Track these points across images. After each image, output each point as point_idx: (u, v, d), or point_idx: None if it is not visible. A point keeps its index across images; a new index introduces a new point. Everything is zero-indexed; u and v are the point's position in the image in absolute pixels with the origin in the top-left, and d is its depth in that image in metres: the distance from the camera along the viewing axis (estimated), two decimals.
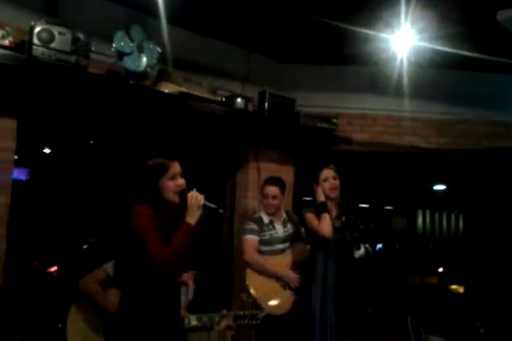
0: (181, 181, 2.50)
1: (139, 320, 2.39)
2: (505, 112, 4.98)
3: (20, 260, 4.64)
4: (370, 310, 4.91)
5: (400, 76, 4.41)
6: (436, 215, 8.45)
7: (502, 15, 3.51)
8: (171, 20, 3.62)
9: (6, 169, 3.27)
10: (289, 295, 3.69)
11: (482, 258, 5.69)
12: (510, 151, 4.92)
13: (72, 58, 3.13)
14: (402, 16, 3.50)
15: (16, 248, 3.95)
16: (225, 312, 3.08)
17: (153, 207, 2.42)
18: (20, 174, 5.60)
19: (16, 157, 3.40)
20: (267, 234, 3.84)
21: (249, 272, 3.75)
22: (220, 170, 4.90)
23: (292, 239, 3.89)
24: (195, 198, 2.43)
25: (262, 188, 3.94)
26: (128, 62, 3.43)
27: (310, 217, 3.54)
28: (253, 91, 4.47)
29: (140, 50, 3.47)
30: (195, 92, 3.82)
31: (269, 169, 4.60)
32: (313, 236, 3.54)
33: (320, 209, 3.51)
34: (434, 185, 7.28)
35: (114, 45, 3.38)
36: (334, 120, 4.69)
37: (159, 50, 3.58)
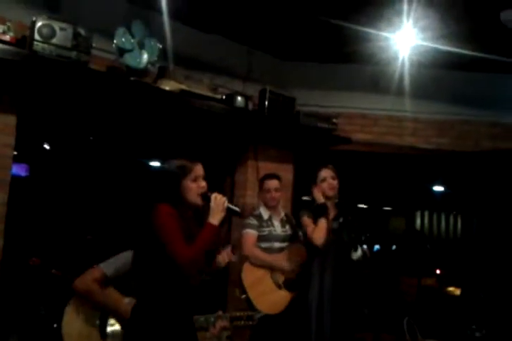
0: (203, 183, 2.51)
1: (158, 322, 2.38)
2: (506, 113, 4.97)
3: (17, 257, 4.62)
4: (366, 311, 4.91)
5: (402, 75, 4.39)
6: (435, 216, 8.45)
7: (505, 15, 3.51)
8: (172, 16, 3.60)
9: (4, 165, 3.25)
10: (283, 295, 3.68)
11: (480, 261, 5.69)
12: (510, 153, 4.91)
13: (73, 54, 3.12)
14: (405, 15, 3.49)
15: (14, 245, 3.93)
16: (220, 313, 3.07)
17: (175, 208, 2.43)
18: (19, 170, 5.58)
19: (15, 153, 3.39)
20: (266, 230, 3.84)
21: (244, 268, 3.74)
22: (219, 169, 4.89)
23: (290, 240, 3.90)
24: (219, 200, 2.46)
25: (263, 184, 3.96)
26: (129, 59, 3.42)
27: (306, 221, 3.54)
28: (254, 90, 4.45)
29: (141, 46, 3.46)
30: (196, 90, 3.81)
31: (268, 168, 4.59)
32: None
33: (319, 211, 3.50)
34: (433, 186, 7.27)
35: (115, 42, 3.37)
36: (334, 120, 4.69)
37: (160, 46, 3.57)
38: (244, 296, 3.63)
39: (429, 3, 3.38)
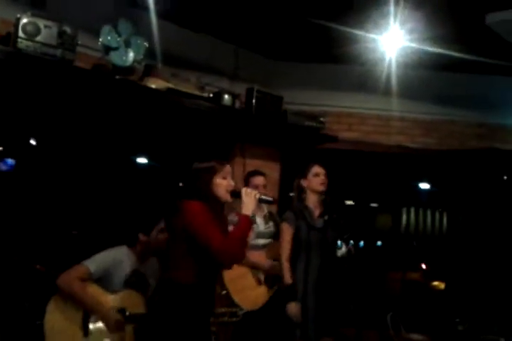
0: (232, 182, 2.63)
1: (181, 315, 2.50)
2: (491, 114, 5.01)
3: (2, 253, 4.61)
4: (352, 307, 4.95)
5: (389, 76, 4.42)
6: (421, 213, 8.51)
7: (491, 18, 3.53)
8: (159, 14, 3.59)
9: None
10: (263, 291, 3.71)
11: (464, 256, 5.76)
12: (494, 152, 4.97)
13: (58, 52, 3.11)
14: (391, 17, 3.51)
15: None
16: None
17: (207, 203, 2.53)
18: (4, 165, 5.55)
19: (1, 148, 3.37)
20: None
21: None
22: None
23: (273, 237, 3.91)
24: (251, 193, 2.57)
25: (249, 180, 3.98)
26: (115, 57, 3.41)
27: (284, 230, 3.55)
28: (241, 88, 4.45)
29: (127, 44, 3.45)
30: (183, 88, 3.81)
31: (255, 165, 4.59)
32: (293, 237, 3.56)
33: (287, 294, 3.46)
34: (419, 183, 7.32)
35: (100, 40, 3.36)
36: (322, 118, 4.70)
37: (146, 45, 3.55)
38: (224, 292, 3.66)
39: (416, 6, 3.40)
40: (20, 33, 2.97)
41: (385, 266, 7.05)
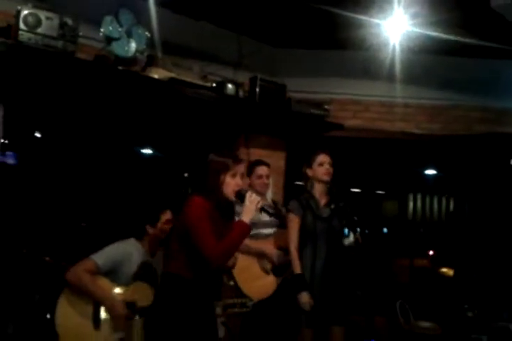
0: (240, 182, 2.62)
1: (182, 307, 2.50)
2: (496, 98, 4.97)
3: (10, 245, 4.63)
4: (360, 293, 4.95)
5: (393, 62, 4.37)
6: (427, 199, 8.50)
7: (496, 1, 3.48)
8: (160, 4, 3.56)
9: None
10: (271, 281, 3.71)
11: (472, 242, 5.75)
12: (500, 137, 4.93)
13: (59, 43, 3.09)
14: (395, 1, 3.45)
15: (7, 233, 3.94)
16: (214, 301, 3.08)
17: (209, 199, 2.51)
18: (9, 158, 5.56)
19: (5, 141, 3.37)
20: (254, 218, 3.83)
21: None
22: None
23: (278, 226, 3.89)
24: (254, 199, 2.56)
25: (253, 170, 3.95)
26: (117, 48, 3.39)
27: (291, 220, 3.55)
28: (245, 77, 4.42)
29: (129, 35, 3.43)
30: (186, 78, 3.79)
31: (260, 155, 4.57)
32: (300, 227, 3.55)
33: (297, 283, 3.45)
34: (425, 169, 7.31)
35: (102, 30, 3.33)
36: (326, 106, 4.67)
37: (148, 34, 3.53)
38: (232, 283, 3.67)
39: None
40: (22, 25, 2.96)
41: (392, 253, 7.06)
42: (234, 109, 4.17)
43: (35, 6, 3.02)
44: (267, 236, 3.84)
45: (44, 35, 3.02)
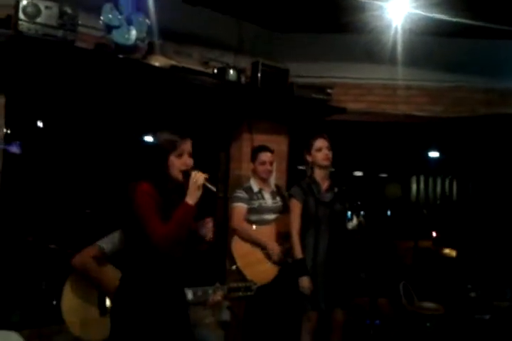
0: (189, 160, 2.48)
1: (143, 296, 2.42)
2: (499, 79, 4.94)
3: (15, 233, 4.66)
4: (363, 275, 5.00)
5: (395, 44, 4.33)
6: (431, 181, 8.50)
7: None
8: None
9: None
10: (272, 265, 3.73)
11: (475, 223, 5.76)
12: (504, 118, 4.91)
13: (59, 33, 3.07)
14: None
15: (11, 221, 3.96)
16: (218, 285, 3.12)
17: (155, 184, 2.42)
18: (13, 148, 5.57)
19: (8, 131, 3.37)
20: (256, 203, 3.86)
21: (235, 240, 3.79)
22: (214, 143, 4.88)
23: (281, 211, 3.92)
24: (197, 177, 2.42)
25: (256, 156, 3.95)
26: (117, 36, 3.36)
27: (293, 206, 3.57)
28: (246, 62, 4.40)
29: (129, 22, 3.39)
30: (187, 65, 3.78)
31: (262, 140, 4.57)
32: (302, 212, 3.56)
33: (298, 268, 3.48)
34: (428, 151, 7.30)
35: (102, 18, 3.30)
36: (329, 90, 4.65)
37: (148, 22, 3.49)
38: (234, 267, 3.70)
39: None
40: (21, 15, 2.93)
41: (396, 235, 7.08)
42: (236, 94, 4.16)
43: None
44: (270, 221, 3.87)
45: (44, 25, 2.99)
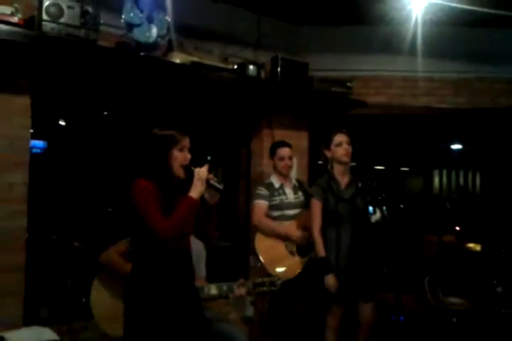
0: (189, 155, 2.53)
1: (152, 290, 2.45)
2: None
3: (41, 232, 4.74)
4: (386, 269, 4.96)
5: (415, 35, 4.30)
6: (453, 174, 8.41)
7: None
8: None
9: (23, 146, 3.29)
10: (296, 261, 3.74)
11: (499, 216, 5.69)
12: None
13: (82, 32, 3.09)
14: None
15: (36, 220, 4.03)
16: (242, 280, 3.13)
17: (156, 179, 2.45)
18: (37, 146, 5.66)
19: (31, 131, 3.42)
20: (277, 199, 3.86)
21: (257, 237, 3.80)
22: (235, 139, 4.90)
23: (303, 206, 3.91)
24: (202, 174, 2.46)
25: (275, 151, 3.96)
26: (138, 34, 3.38)
27: (314, 205, 3.56)
28: (266, 57, 4.39)
29: (150, 20, 3.41)
30: (207, 61, 3.78)
31: (283, 136, 4.57)
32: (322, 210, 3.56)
33: (322, 266, 3.47)
34: (450, 144, 7.22)
35: (123, 17, 3.33)
36: (349, 83, 4.62)
37: (169, 19, 3.51)
38: (258, 264, 3.71)
39: None
40: (44, 16, 2.96)
41: (419, 229, 7.02)
42: (256, 90, 4.15)
43: None
44: (292, 217, 3.86)
45: (67, 25, 3.03)
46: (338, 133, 3.60)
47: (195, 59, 3.71)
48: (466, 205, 7.98)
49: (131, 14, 3.31)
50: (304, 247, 3.77)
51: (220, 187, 2.53)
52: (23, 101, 3.26)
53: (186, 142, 2.52)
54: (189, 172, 2.49)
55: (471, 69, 4.93)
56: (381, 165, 7.47)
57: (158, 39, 3.47)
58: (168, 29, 3.51)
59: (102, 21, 3.23)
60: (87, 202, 5.90)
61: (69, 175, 5.87)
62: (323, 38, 4.84)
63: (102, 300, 3.09)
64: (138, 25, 3.36)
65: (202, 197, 2.53)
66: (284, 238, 3.76)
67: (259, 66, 4.08)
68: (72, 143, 5.62)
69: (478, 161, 7.48)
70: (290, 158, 3.94)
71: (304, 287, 3.74)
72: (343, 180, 3.61)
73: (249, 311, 4.39)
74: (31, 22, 3.01)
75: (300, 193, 3.97)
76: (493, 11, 3.87)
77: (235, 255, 4.79)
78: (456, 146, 7.35)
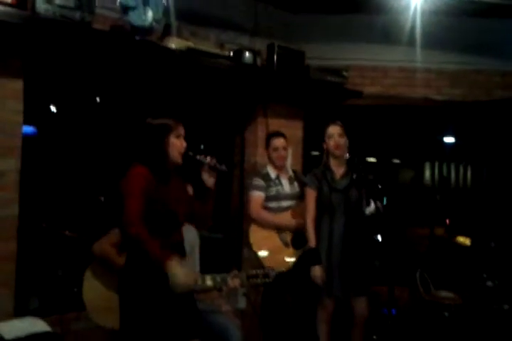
0: (185, 143, 2.55)
1: (145, 282, 2.45)
2: None
3: (30, 220, 4.66)
4: (378, 263, 4.96)
5: (413, 25, 4.28)
6: (445, 167, 8.41)
7: None
8: None
9: (15, 132, 3.22)
10: (291, 253, 3.73)
11: (490, 210, 5.71)
12: None
13: (77, 14, 3.03)
14: None
15: (27, 208, 3.96)
16: (236, 272, 3.10)
17: (151, 166, 2.44)
18: (27, 132, 5.55)
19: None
20: (274, 190, 3.84)
21: (252, 228, 3.78)
22: (229, 127, 4.84)
23: (299, 197, 3.89)
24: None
25: (270, 142, 3.92)
26: (133, 17, 3.31)
27: (308, 195, 3.56)
28: (262, 44, 4.35)
29: (145, 3, 3.33)
30: (203, 47, 3.73)
31: (278, 125, 4.54)
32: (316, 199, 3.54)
33: (311, 257, 3.47)
34: (443, 137, 7.21)
35: None
36: (345, 73, 4.58)
37: (165, 3, 3.44)
38: (253, 257, 3.69)
39: None
40: None
41: (410, 222, 7.03)
42: (252, 77, 4.11)
43: None
44: (286, 208, 3.84)
45: (61, 6, 2.96)
46: (331, 125, 3.59)
47: (191, 44, 3.66)
48: (456, 198, 7.99)
49: None
50: (298, 239, 3.75)
51: (224, 168, 2.56)
52: (16, 85, 3.19)
53: (181, 130, 2.54)
54: (188, 160, 2.51)
55: (469, 61, 4.91)
56: (373, 157, 7.46)
57: (154, 23, 3.40)
58: (164, 13, 3.44)
59: (97, 3, 3.15)
60: (79, 189, 5.82)
61: (60, 162, 5.78)
62: (320, 26, 4.79)
63: (95, 290, 3.06)
64: (133, 8, 3.28)
65: (200, 180, 2.53)
66: (280, 228, 3.74)
67: (255, 53, 4.04)
68: (64, 128, 5.53)
69: (470, 155, 7.49)
70: (285, 148, 3.89)
71: (298, 279, 3.72)
72: (339, 171, 3.60)
73: (242, 303, 4.37)
74: (24, 2, 2.93)
75: (296, 184, 3.95)
76: (492, 1, 3.84)
77: (227, 246, 4.75)
78: (448, 139, 7.35)
